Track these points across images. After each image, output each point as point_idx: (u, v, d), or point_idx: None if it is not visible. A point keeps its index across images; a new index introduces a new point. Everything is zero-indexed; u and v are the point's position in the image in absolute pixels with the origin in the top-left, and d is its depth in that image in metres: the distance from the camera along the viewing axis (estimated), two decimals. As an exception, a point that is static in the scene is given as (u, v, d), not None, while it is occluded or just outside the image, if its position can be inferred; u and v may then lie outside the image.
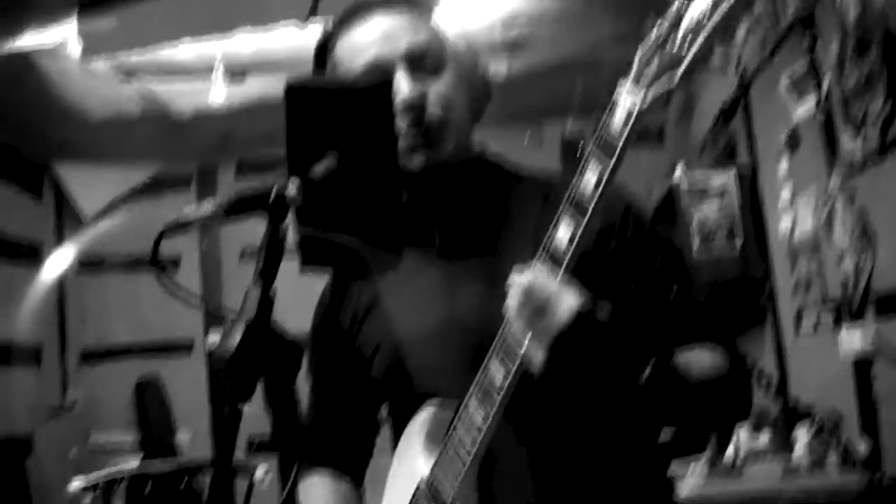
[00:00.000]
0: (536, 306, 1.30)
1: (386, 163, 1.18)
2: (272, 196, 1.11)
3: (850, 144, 3.26)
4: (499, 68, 4.48)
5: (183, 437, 5.62)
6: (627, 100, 1.26)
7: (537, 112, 5.35)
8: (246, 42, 4.20)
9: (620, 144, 1.25)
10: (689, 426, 1.55)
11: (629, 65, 1.27)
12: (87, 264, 5.85)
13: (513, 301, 1.33)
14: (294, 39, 4.09)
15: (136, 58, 4.26)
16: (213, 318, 5.57)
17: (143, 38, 4.05)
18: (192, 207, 1.11)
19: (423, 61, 1.54)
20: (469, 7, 4.06)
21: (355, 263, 1.33)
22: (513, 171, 1.67)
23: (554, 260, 1.31)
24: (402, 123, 1.49)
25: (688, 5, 1.20)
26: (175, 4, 3.80)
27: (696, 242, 4.31)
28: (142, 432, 5.58)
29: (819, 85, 3.49)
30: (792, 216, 3.92)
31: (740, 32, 4.01)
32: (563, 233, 1.30)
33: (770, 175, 4.15)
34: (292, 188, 1.11)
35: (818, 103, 3.51)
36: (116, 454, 5.56)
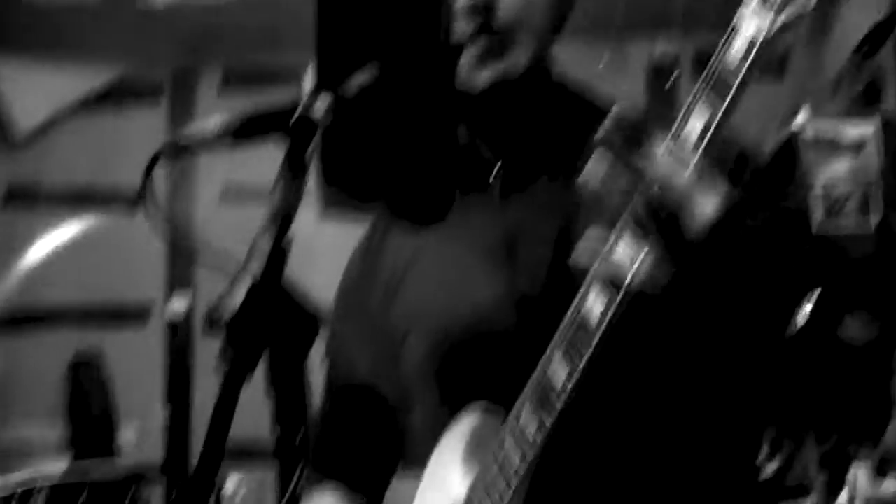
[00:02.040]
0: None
1: (440, 79, 1.21)
2: (295, 116, 1.14)
3: None
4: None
5: (127, 434, 5.64)
6: (752, 24, 1.27)
7: (622, 26, 5.32)
8: None
9: (738, 82, 1.27)
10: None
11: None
12: (18, 196, 5.84)
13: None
14: None
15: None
16: (179, 277, 5.62)
17: None
18: (193, 126, 1.14)
19: None
20: None
21: (395, 208, 1.37)
22: (591, 101, 1.69)
23: None
24: (464, 29, 1.51)
25: None
26: None
27: (818, 212, 4.31)
28: (73, 426, 5.62)
29: None
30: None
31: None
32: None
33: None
34: (321, 106, 1.14)
35: None
36: (36, 454, 5.60)
